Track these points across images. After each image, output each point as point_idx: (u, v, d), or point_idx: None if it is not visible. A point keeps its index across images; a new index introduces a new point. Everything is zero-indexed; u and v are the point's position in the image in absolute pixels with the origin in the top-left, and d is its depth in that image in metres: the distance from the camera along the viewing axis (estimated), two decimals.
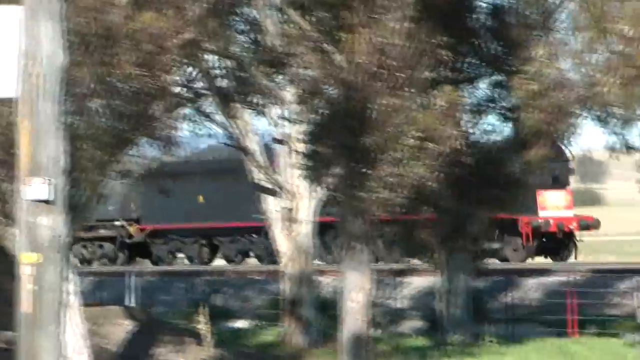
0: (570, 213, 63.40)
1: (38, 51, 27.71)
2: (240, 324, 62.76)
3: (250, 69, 46.47)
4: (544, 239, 66.30)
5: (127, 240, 76.50)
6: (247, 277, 76.18)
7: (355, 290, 39.40)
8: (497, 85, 49.06)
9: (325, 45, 38.97)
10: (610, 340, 49.02)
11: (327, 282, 59.02)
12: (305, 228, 54.86)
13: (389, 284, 63.28)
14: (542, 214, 62.30)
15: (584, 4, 43.45)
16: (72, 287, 38.63)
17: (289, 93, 47.24)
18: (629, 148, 52.33)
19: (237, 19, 45.52)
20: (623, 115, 44.30)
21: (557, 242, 66.27)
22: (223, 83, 47.77)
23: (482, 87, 50.21)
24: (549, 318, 56.50)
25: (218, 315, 54.22)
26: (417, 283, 63.97)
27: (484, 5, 48.39)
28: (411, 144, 38.57)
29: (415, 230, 49.77)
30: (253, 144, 56.65)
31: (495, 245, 67.88)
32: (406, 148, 38.30)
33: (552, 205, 60.79)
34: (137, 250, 78.55)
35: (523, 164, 46.04)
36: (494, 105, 49.36)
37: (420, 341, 51.40)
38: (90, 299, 50.96)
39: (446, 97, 39.99)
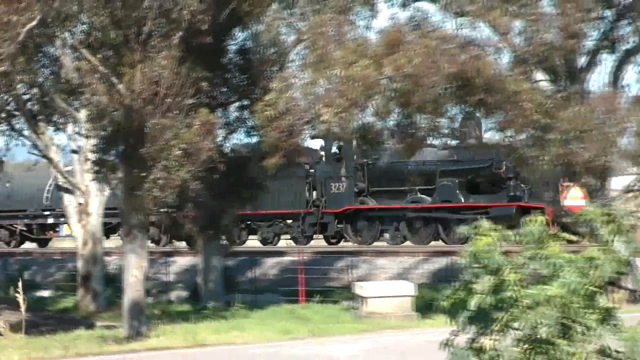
0: (584, 202, 66.83)
1: None
2: (46, 293, 64.47)
3: (52, 95, 50.72)
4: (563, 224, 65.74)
5: None
6: (52, 257, 78.35)
7: (134, 267, 41.65)
8: (244, 108, 51.39)
9: (110, 77, 41.16)
10: (330, 305, 51.51)
11: (113, 261, 60.85)
12: (94, 219, 57.16)
13: (161, 262, 65.55)
14: (564, 203, 63.89)
15: (309, 47, 46.77)
16: None
17: (82, 114, 48.83)
18: None
19: (41, 55, 48.46)
20: (339, 134, 47.66)
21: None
22: (31, 106, 50.42)
23: (233, 111, 51.15)
24: (283, 289, 59.83)
25: (28, 287, 52.57)
26: (183, 262, 66.95)
27: (234, 47, 50.38)
28: (177, 154, 41.35)
29: (180, 222, 52.51)
30: (55, 154, 58.00)
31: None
32: (173, 157, 40.72)
33: (571, 197, 63.87)
34: None
35: (262, 170, 48.52)
36: (242, 124, 50.71)
37: (184, 307, 53.58)
38: None
39: (204, 118, 42.84)
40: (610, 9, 46.12)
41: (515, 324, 14.88)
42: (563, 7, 44.20)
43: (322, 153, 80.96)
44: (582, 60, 47.63)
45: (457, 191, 67.17)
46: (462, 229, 15.81)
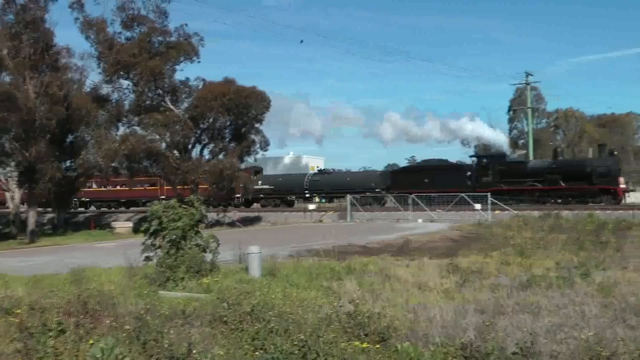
0: None
1: None
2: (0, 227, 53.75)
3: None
4: None
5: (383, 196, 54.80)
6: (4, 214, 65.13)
7: (31, 216, 41.15)
8: (72, 161, 47.01)
9: (22, 150, 39.49)
10: (104, 231, 45.26)
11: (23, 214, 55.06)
12: (17, 200, 46.75)
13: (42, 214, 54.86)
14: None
15: (95, 143, 45.35)
16: None
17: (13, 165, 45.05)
18: None
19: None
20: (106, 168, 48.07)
21: None
22: None
23: (67, 162, 47.25)
24: (86, 225, 51.31)
25: None
26: (49, 215, 54.40)
27: (68, 139, 46.18)
28: (47, 179, 39.67)
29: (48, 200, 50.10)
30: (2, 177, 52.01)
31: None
32: (45, 179, 39.76)
33: None
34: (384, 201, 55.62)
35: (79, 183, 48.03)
36: (71, 167, 47.37)
37: (49, 232, 46.78)
38: None
39: (55, 164, 41.47)
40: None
41: (167, 235, 15.69)
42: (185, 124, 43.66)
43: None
44: (189, 147, 45.54)
45: None
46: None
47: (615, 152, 49.48)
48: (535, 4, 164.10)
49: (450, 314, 10.87)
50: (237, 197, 56.19)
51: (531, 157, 64.29)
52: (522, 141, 74.82)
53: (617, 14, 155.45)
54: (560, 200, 45.42)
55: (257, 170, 61.02)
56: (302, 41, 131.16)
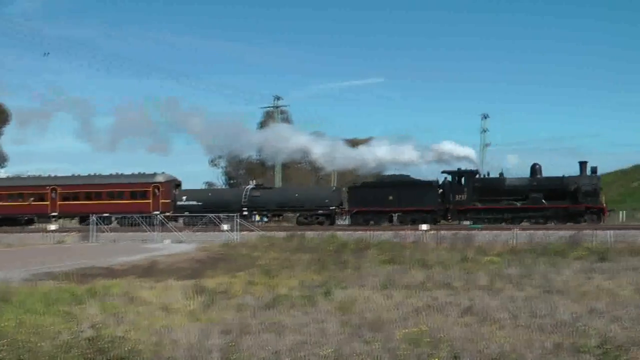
0: None
1: None
2: None
3: None
4: None
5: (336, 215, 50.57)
6: None
7: None
8: None
9: None
10: None
11: None
12: None
13: None
14: None
15: None
16: None
17: None
18: None
19: None
20: None
21: None
22: None
23: None
24: None
25: None
26: None
27: None
28: None
29: None
30: None
31: None
32: None
33: None
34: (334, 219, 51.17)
35: None
36: None
37: None
38: None
39: None
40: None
41: None
42: None
43: None
44: None
45: None
46: None
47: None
48: (286, 33, 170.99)
49: (195, 335, 11.02)
50: (156, 214, 50.42)
51: (277, 183, 65.74)
52: (270, 163, 76.43)
53: (359, 43, 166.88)
54: (541, 220, 44.45)
55: (177, 184, 56.58)
56: (47, 53, 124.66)
